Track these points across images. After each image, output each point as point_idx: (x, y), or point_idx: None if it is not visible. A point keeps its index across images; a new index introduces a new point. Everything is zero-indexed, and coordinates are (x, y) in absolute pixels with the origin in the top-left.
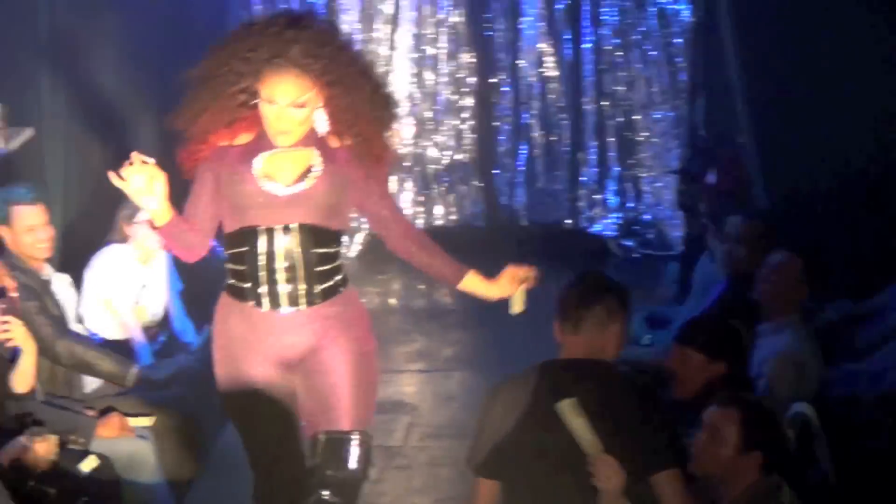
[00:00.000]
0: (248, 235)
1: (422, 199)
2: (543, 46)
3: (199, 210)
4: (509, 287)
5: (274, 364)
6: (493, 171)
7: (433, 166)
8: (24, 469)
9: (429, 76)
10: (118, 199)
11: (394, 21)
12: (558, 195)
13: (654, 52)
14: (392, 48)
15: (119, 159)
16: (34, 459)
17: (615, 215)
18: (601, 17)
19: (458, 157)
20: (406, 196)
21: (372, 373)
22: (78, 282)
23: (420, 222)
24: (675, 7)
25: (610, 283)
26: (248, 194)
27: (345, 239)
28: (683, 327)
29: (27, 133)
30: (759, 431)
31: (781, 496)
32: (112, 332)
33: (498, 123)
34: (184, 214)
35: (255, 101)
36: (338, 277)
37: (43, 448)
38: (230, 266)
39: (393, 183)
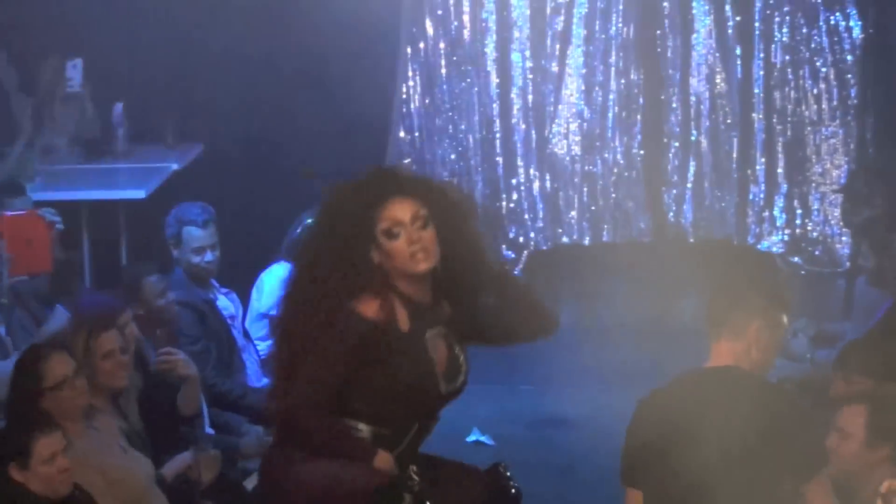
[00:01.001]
0: (398, 424)
1: (588, 215)
2: (714, 63)
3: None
4: None
5: None
6: (661, 188)
7: (601, 182)
8: (189, 484)
9: (598, 93)
10: (282, 218)
11: (564, 38)
12: (726, 212)
13: (825, 69)
14: (562, 65)
15: (280, 177)
16: (199, 474)
17: (783, 232)
18: (772, 34)
19: (627, 173)
20: (573, 212)
21: None
22: (242, 297)
23: (586, 239)
24: (847, 24)
25: (752, 286)
26: (424, 391)
27: (511, 256)
28: (841, 353)
29: (197, 149)
30: (886, 424)
31: None
32: None
33: (667, 140)
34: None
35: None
36: None
37: (207, 464)
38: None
39: (561, 199)
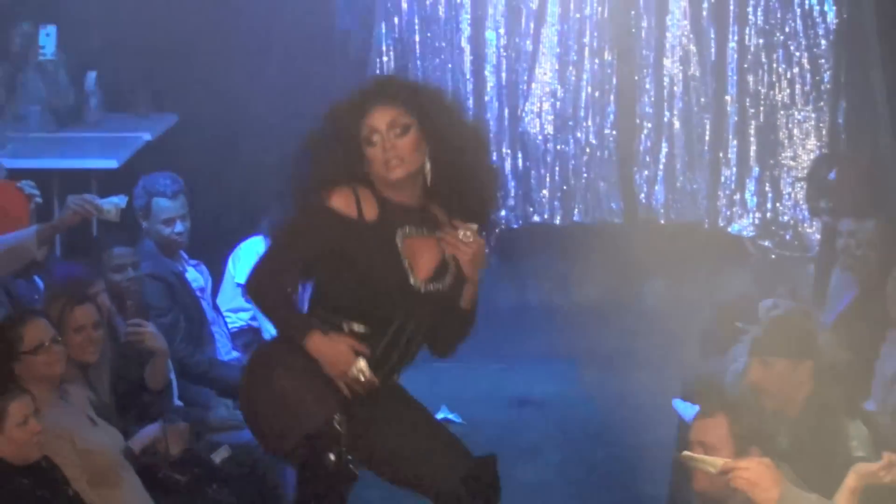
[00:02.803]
0: (376, 319)
1: (560, 194)
2: (688, 44)
3: (298, 268)
4: None
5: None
6: (633, 169)
7: (573, 162)
8: (157, 456)
9: (572, 72)
10: (254, 191)
11: (538, 17)
12: (697, 194)
13: (798, 53)
14: (536, 44)
15: (252, 151)
16: (166, 447)
17: (754, 215)
18: (746, 16)
19: (599, 153)
20: (545, 191)
21: None
22: (212, 269)
23: (557, 219)
24: (821, 8)
25: None
26: (389, 282)
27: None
28: (756, 337)
29: (171, 119)
30: (748, 428)
31: None
32: (246, 322)
33: (639, 121)
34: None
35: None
36: None
37: (175, 437)
38: (336, 321)
39: (532, 177)
